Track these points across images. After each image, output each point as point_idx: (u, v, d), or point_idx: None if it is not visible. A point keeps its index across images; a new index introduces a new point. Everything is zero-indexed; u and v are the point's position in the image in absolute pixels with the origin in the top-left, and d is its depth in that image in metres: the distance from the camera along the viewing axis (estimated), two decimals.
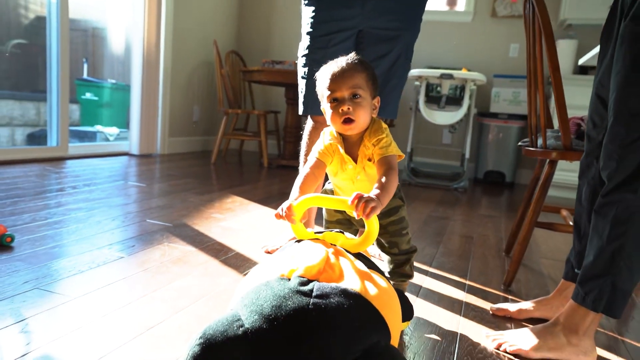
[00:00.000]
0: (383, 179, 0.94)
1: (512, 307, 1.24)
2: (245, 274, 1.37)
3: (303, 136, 1.69)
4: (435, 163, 4.31)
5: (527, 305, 1.24)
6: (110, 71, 5.66)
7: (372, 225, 0.84)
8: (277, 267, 0.75)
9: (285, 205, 0.88)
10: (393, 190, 0.95)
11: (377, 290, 0.74)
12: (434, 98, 3.70)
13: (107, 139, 4.43)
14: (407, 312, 0.98)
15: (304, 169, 1.08)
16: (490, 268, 1.65)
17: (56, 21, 3.10)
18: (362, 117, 1.01)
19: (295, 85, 2.71)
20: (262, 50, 4.77)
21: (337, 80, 1.00)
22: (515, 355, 1.03)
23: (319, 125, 1.64)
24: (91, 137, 4.44)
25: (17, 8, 4.87)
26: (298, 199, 0.89)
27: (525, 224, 1.44)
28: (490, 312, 1.26)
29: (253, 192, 2.65)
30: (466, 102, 3.53)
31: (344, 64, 1.01)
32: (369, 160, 1.04)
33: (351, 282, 0.73)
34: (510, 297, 1.40)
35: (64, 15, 3.12)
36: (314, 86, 1.58)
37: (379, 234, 1.14)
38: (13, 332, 0.94)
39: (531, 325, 1.11)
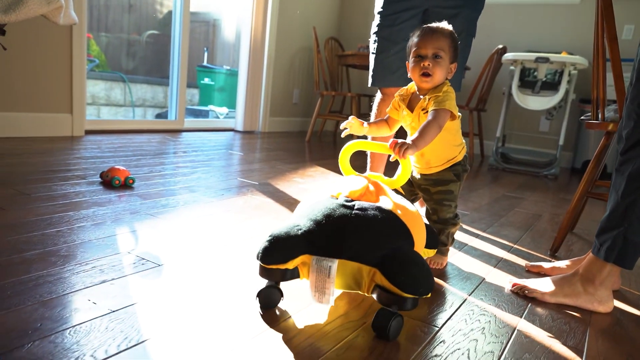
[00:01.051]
0: (423, 126, 1.10)
1: (546, 264, 1.32)
2: None
3: (372, 107, 1.87)
4: (530, 150, 4.17)
5: (562, 263, 1.30)
6: (227, 58, 6.25)
7: (406, 165, 1.03)
8: (328, 191, 0.99)
9: (351, 118, 1.17)
10: (431, 137, 1.09)
11: (405, 211, 0.95)
12: (529, 83, 3.60)
13: (217, 117, 4.96)
14: (432, 241, 1.14)
15: (381, 116, 1.30)
16: (546, 239, 1.70)
17: (179, 14, 3.59)
18: (438, 75, 1.16)
19: None
20: (362, 36, 4.95)
21: (424, 39, 1.16)
22: (531, 299, 1.12)
23: (387, 97, 1.80)
24: (205, 115, 5.00)
25: (154, 3, 5.60)
26: (347, 144, 1.10)
27: (577, 192, 1.48)
28: (525, 268, 1.34)
29: (336, 165, 2.87)
30: (563, 87, 3.39)
31: (434, 27, 1.18)
32: (423, 111, 1.19)
33: (385, 203, 0.94)
34: (553, 261, 1.45)
35: (186, 8, 3.60)
36: (383, 60, 1.76)
37: (426, 200, 1.30)
38: (127, 236, 1.27)
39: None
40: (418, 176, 1.30)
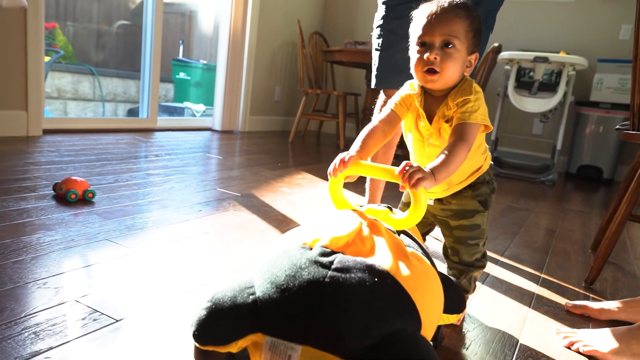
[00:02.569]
0: (447, 150, 0.81)
1: (593, 304, 1.11)
2: None
3: (374, 111, 1.63)
4: (522, 154, 4.01)
5: (612, 305, 1.09)
6: (204, 52, 5.93)
7: (419, 198, 0.71)
8: (301, 235, 0.67)
9: (339, 157, 0.79)
10: (456, 166, 0.81)
11: (412, 271, 0.64)
12: (525, 83, 3.43)
13: (193, 115, 4.65)
14: (456, 303, 0.86)
15: (372, 121, 0.95)
16: (572, 263, 1.49)
17: (152, 4, 3.28)
18: (450, 71, 0.86)
19: None
20: (346, 31, 4.71)
21: (431, 22, 0.86)
22: (589, 357, 0.91)
23: None
24: (180, 112, 4.69)
25: None
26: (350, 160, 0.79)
27: (617, 216, 1.27)
28: (565, 308, 1.13)
29: (324, 171, 2.63)
30: (562, 88, 3.23)
31: (445, 5, 0.87)
32: (447, 122, 0.89)
33: (381, 258, 0.63)
34: (591, 295, 1.25)
35: None
36: (389, 58, 1.52)
37: (444, 235, 1.02)
38: (78, 275, 0.99)
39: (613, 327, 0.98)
40: (432, 203, 1.01)
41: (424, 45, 0.87)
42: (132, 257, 1.12)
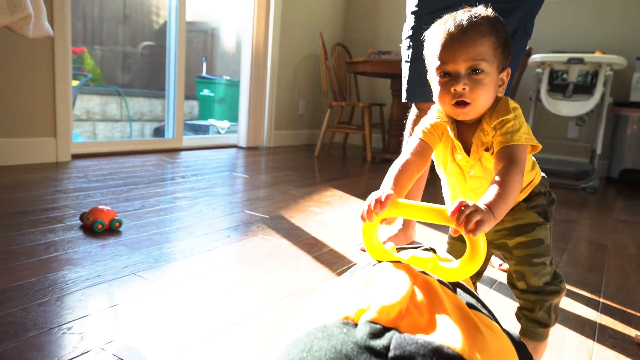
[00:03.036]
0: (498, 179, 0.69)
1: None
2: (338, 273, 1.28)
3: (406, 126, 1.55)
4: (558, 159, 3.85)
5: None
6: (227, 68, 5.98)
7: (478, 245, 0.57)
8: (340, 304, 0.52)
9: (374, 197, 0.63)
10: (514, 196, 0.69)
11: (488, 348, 0.49)
12: (558, 86, 3.28)
13: (218, 132, 4.65)
14: None
15: (402, 154, 0.84)
16: (632, 284, 1.37)
17: (175, 24, 3.29)
18: (483, 99, 0.76)
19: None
20: (369, 42, 4.65)
21: (452, 46, 0.74)
22: None
23: (423, 113, 1.48)
24: (205, 130, 4.70)
25: (150, 14, 5.34)
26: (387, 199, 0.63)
27: None
28: (636, 341, 1.02)
29: (353, 186, 2.56)
30: (599, 90, 3.07)
31: (464, 22, 0.75)
32: (487, 150, 0.78)
33: (447, 333, 0.48)
34: None
35: (181, 18, 3.30)
36: (420, 70, 1.44)
37: (506, 258, 0.90)
38: (104, 317, 0.94)
39: None
40: None
41: (447, 75, 0.76)
42: (159, 294, 1.07)
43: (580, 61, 3.06)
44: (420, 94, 1.46)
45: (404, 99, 1.52)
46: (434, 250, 0.65)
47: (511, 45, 1.30)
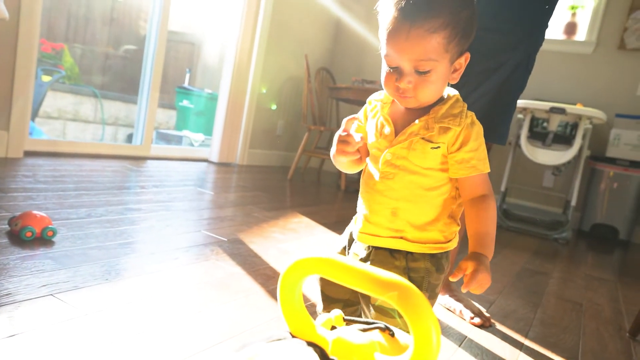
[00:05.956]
0: (482, 215, 0.67)
1: None
2: None
3: None
4: (532, 207, 3.81)
5: None
6: (210, 82, 5.87)
7: (428, 336, 0.38)
8: None
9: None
10: (495, 225, 0.69)
11: None
12: (538, 134, 3.26)
13: (191, 144, 4.49)
14: None
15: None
16: (610, 352, 1.26)
17: (155, 31, 3.17)
18: (428, 95, 0.69)
19: None
20: (354, 69, 4.60)
21: (397, 40, 0.64)
22: None
23: None
24: (177, 141, 4.53)
25: (138, 19, 5.22)
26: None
27: None
28: None
29: (322, 214, 2.43)
30: (578, 141, 3.06)
31: (413, 15, 0.63)
32: (425, 139, 0.69)
33: None
34: None
35: (162, 26, 3.18)
36: None
37: (368, 307, 0.73)
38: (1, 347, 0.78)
39: None
40: (362, 251, 0.75)
41: (392, 68, 0.68)
42: (75, 323, 0.90)
43: (562, 111, 3.05)
44: None
45: None
46: (389, 331, 0.48)
47: (507, 87, 1.17)
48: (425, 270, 0.71)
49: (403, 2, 0.64)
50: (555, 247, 2.81)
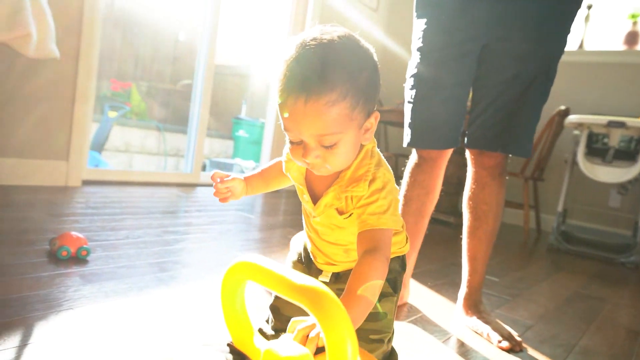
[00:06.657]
0: (362, 272, 0.60)
1: None
2: None
3: (404, 173, 1.41)
4: (596, 229, 3.54)
5: None
6: (263, 111, 6.13)
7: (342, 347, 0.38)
8: None
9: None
10: (376, 297, 0.60)
11: None
12: (598, 150, 3.05)
13: (242, 172, 4.63)
14: None
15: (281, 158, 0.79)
16: None
17: (203, 65, 3.35)
18: (341, 163, 0.66)
19: None
20: (398, 93, 4.58)
21: (295, 116, 0.60)
22: None
23: (425, 162, 1.34)
24: (229, 168, 4.69)
25: (193, 53, 5.56)
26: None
27: None
28: None
29: None
30: None
31: (307, 89, 0.58)
32: (341, 214, 0.69)
33: None
34: None
35: (210, 60, 3.35)
36: (423, 113, 1.31)
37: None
38: None
39: None
40: (328, 280, 0.78)
41: (294, 143, 0.65)
42: (91, 337, 0.94)
43: (621, 125, 2.84)
44: (425, 139, 1.33)
45: (405, 144, 1.39)
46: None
47: (528, 97, 1.13)
48: (397, 272, 0.76)
49: (296, 71, 0.59)
50: (621, 271, 2.58)
